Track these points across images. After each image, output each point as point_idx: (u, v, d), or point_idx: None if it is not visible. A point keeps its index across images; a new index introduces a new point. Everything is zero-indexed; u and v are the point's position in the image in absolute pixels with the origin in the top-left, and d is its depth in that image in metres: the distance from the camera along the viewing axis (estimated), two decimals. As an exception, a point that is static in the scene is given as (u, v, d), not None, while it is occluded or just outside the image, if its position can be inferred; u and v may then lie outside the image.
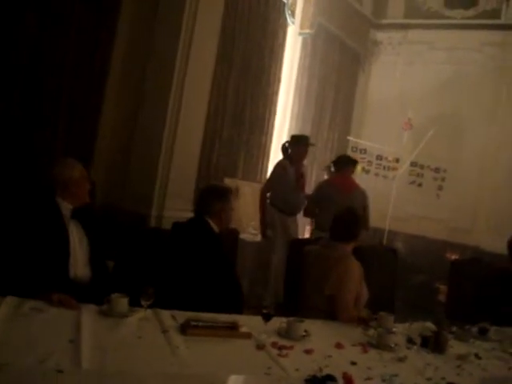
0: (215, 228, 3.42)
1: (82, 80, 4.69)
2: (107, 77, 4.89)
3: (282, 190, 5.54)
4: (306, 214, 6.04)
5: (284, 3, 7.15)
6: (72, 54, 4.55)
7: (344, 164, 5.85)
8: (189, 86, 5.12)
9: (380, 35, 9.53)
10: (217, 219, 3.42)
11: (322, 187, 5.89)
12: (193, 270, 3.24)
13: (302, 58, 7.85)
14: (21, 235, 2.78)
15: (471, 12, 8.86)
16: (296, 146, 5.72)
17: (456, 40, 8.78)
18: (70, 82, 4.58)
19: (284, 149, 5.77)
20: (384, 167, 7.94)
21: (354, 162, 6.04)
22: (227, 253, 3.58)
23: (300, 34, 7.76)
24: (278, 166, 5.76)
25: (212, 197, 3.46)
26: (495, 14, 8.62)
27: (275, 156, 7.60)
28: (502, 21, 8.56)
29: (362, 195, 5.71)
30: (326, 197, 5.58)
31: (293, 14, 7.34)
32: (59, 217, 2.93)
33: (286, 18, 7.23)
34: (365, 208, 5.57)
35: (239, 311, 3.17)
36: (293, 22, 7.39)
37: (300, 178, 5.72)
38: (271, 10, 6.90)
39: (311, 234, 5.96)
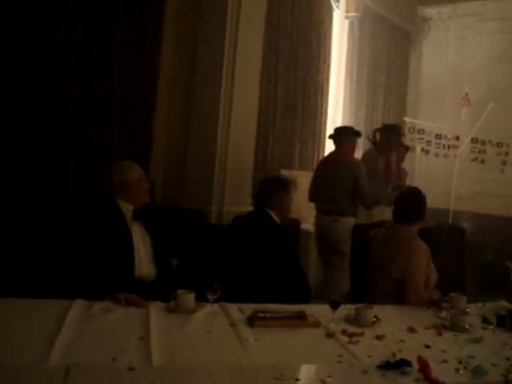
0: (277, 219, 3.42)
1: (133, 82, 4.72)
2: (158, 77, 4.93)
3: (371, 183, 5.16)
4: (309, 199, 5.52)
5: (328, -11, 7.05)
6: (120, 57, 4.58)
7: (342, 136, 5.22)
8: (238, 80, 5.10)
9: (429, 11, 9.27)
10: (278, 211, 3.42)
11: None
12: (257, 262, 3.25)
13: (351, 42, 7.72)
14: (86, 239, 2.85)
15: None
16: (386, 136, 5.57)
17: (506, 9, 8.45)
18: (121, 85, 4.62)
19: (373, 138, 5.62)
20: (444, 146, 7.70)
21: (356, 134, 5.34)
22: (290, 244, 3.56)
23: (346, 17, 7.63)
24: (367, 157, 5.61)
25: (272, 189, 3.46)
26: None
27: (330, 144, 7.52)
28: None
29: (352, 166, 5.04)
30: (315, 175, 5.36)
31: (337, -1, 7.24)
32: (121, 218, 2.98)
33: (330, 3, 7.12)
34: (355, 180, 4.93)
35: (306, 301, 3.14)
36: (338, 7, 7.28)
37: (390, 169, 5.51)
38: (315, -4, 6.81)
39: (315, 218, 5.37)
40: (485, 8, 8.71)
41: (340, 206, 4.97)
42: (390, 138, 5.55)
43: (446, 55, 9.11)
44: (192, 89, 5.21)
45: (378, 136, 5.61)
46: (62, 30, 4.13)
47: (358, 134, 5.34)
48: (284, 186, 3.49)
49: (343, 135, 5.22)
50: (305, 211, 6.21)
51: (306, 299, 3.21)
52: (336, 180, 4.95)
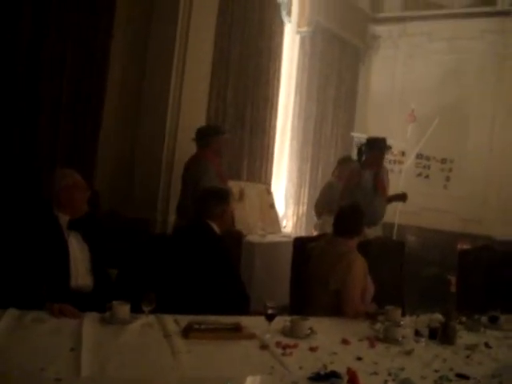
0: (217, 230, 3.42)
1: (82, 87, 4.67)
2: (106, 83, 4.87)
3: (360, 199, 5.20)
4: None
5: (279, 3, 7.11)
6: (69, 60, 4.53)
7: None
8: (187, 91, 5.12)
9: (379, 29, 9.47)
10: (218, 221, 3.43)
11: None
12: (197, 273, 3.24)
13: (301, 56, 7.80)
14: (21, 248, 2.78)
15: (468, 0, 8.78)
16: (371, 150, 5.62)
17: (455, 29, 8.70)
18: (69, 91, 4.57)
19: (359, 152, 5.70)
20: (390, 161, 7.85)
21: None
22: (231, 255, 3.57)
23: (298, 32, 7.71)
24: (352, 172, 5.67)
25: (212, 200, 3.47)
26: (492, 0, 8.54)
27: (279, 156, 7.58)
28: (499, 7, 8.47)
29: None
30: None
31: (289, 13, 7.30)
32: (57, 229, 2.93)
33: (282, 18, 7.19)
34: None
35: (245, 312, 3.15)
36: (289, 21, 7.35)
37: (378, 183, 5.52)
38: (266, 10, 6.85)
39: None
40: (434, 28, 8.94)
41: None
42: (375, 153, 5.61)
43: (395, 72, 9.30)
44: (140, 97, 5.19)
45: (363, 150, 5.67)
46: (11, 31, 4.06)
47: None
48: (224, 197, 3.51)
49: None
50: (252, 222, 6.24)
51: (244, 309, 3.22)
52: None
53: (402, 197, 5.92)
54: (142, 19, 5.19)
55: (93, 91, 4.77)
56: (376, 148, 5.61)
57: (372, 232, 5.09)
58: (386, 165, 7.74)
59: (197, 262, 3.28)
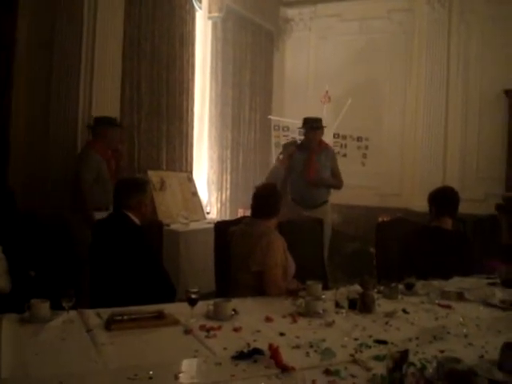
0: (136, 221, 3.40)
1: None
2: (13, 79, 4.71)
3: (291, 181, 5.38)
4: None
5: (189, -11, 7.05)
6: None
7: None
8: (97, 80, 5.03)
9: (290, 12, 9.57)
10: (136, 212, 3.41)
11: None
12: (118, 264, 3.21)
13: (214, 42, 7.78)
14: None
15: (375, -20, 9.01)
16: (305, 131, 5.68)
17: (364, 10, 8.92)
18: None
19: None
20: (308, 142, 8.00)
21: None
22: (152, 244, 3.56)
23: (209, 18, 7.69)
24: (283, 156, 5.82)
25: (129, 190, 3.45)
26: (398, -20, 8.80)
27: (199, 143, 7.57)
28: (404, -14, 8.76)
29: None
30: None
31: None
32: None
33: (192, 4, 7.13)
34: None
35: (171, 300, 3.15)
36: (200, 8, 7.30)
37: (307, 166, 5.56)
38: (176, -4, 6.79)
39: None
40: (343, 9, 9.12)
41: None
42: (306, 133, 5.71)
43: (308, 54, 9.44)
44: (50, 90, 5.04)
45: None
46: None
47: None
48: (140, 187, 3.50)
49: None
50: (175, 211, 6.21)
51: (170, 298, 3.22)
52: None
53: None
54: (47, 13, 5.01)
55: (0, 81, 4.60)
56: (307, 128, 5.69)
57: (312, 215, 5.15)
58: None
59: (117, 254, 3.26)
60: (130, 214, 3.38)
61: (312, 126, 5.69)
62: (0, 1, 4.56)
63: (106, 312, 2.56)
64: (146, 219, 3.51)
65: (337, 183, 5.88)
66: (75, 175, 4.73)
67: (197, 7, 7.24)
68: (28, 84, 4.97)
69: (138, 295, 2.99)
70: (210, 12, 7.65)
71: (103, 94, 5.07)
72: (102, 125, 4.85)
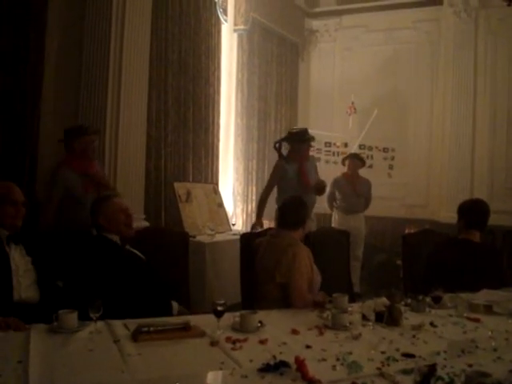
0: (114, 238, 3.25)
1: (15, 90, 4.57)
2: (41, 86, 4.79)
3: (285, 193, 5.22)
4: None
5: (215, 2, 7.12)
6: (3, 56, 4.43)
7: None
8: (125, 94, 5.07)
9: (315, 23, 9.60)
10: (109, 230, 3.25)
11: None
12: (105, 284, 3.04)
13: (240, 54, 7.84)
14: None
15: (401, -9, 9.00)
16: (293, 143, 5.63)
17: (390, 20, 8.91)
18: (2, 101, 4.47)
19: (276, 148, 5.66)
20: (333, 153, 8.00)
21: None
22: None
23: (235, 30, 7.76)
24: (274, 167, 5.68)
25: (94, 211, 3.30)
26: (424, -10, 8.78)
27: (224, 155, 7.60)
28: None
29: None
30: None
31: (225, 12, 7.31)
32: (-3, 243, 2.87)
33: (218, 17, 7.20)
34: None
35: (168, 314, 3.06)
36: (226, 20, 7.37)
37: (303, 176, 5.51)
38: (202, 9, 6.85)
39: None
40: (369, 20, 9.13)
41: None
42: (295, 144, 5.65)
43: (333, 66, 9.46)
44: (78, 100, 5.11)
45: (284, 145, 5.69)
46: None
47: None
48: (102, 203, 3.32)
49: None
50: (201, 222, 6.24)
51: (166, 313, 3.06)
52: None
53: (318, 189, 5.65)
54: (75, 19, 5.10)
55: (29, 93, 4.66)
56: (295, 140, 5.67)
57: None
58: (330, 157, 7.92)
59: (100, 275, 3.09)
60: (106, 234, 3.23)
61: (300, 138, 5.67)
62: (30, 21, 4.65)
63: (133, 323, 2.58)
64: (127, 232, 3.30)
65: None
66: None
67: (223, 20, 7.31)
68: (56, 98, 5.05)
69: (136, 311, 2.91)
70: (235, 24, 7.71)
71: (130, 107, 5.12)
72: (71, 137, 4.40)
